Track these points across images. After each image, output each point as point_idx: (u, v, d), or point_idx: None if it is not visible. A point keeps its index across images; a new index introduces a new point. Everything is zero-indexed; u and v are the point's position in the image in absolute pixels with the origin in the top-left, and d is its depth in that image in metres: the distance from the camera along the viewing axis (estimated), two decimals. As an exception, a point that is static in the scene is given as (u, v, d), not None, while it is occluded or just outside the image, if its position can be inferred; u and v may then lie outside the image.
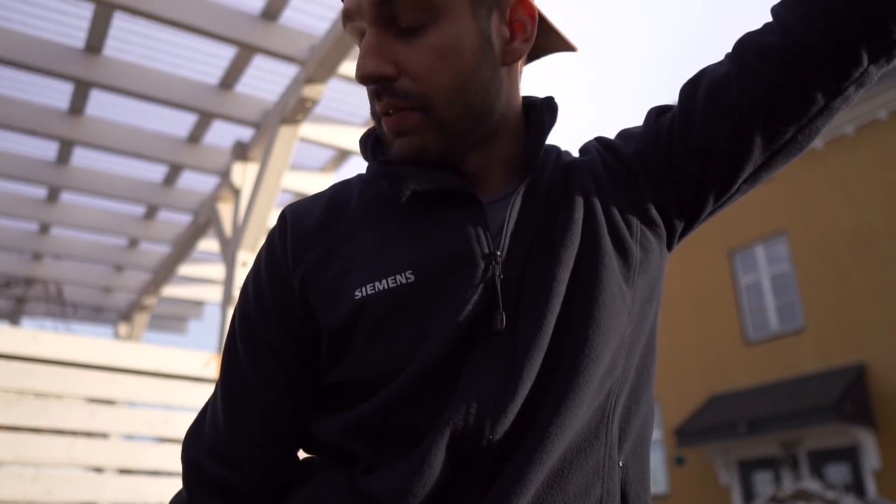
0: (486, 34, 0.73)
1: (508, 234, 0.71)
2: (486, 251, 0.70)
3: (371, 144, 0.82)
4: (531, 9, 0.75)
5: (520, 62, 0.80)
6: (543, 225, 0.73)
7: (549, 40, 0.85)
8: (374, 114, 0.75)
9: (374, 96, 0.73)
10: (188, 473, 0.77)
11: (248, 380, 0.77)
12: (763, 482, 11.09)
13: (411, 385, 0.68)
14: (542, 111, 0.80)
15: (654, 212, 0.78)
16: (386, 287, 0.69)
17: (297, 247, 0.76)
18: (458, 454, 0.66)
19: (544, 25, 0.83)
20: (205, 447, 0.77)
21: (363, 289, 0.70)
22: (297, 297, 0.75)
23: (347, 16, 0.74)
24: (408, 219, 0.74)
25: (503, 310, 0.68)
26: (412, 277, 0.69)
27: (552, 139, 0.84)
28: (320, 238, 0.76)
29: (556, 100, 0.82)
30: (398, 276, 0.69)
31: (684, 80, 0.81)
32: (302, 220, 0.79)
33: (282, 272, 0.77)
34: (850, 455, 10.21)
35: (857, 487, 9.93)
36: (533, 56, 0.88)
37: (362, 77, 0.70)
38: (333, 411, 0.74)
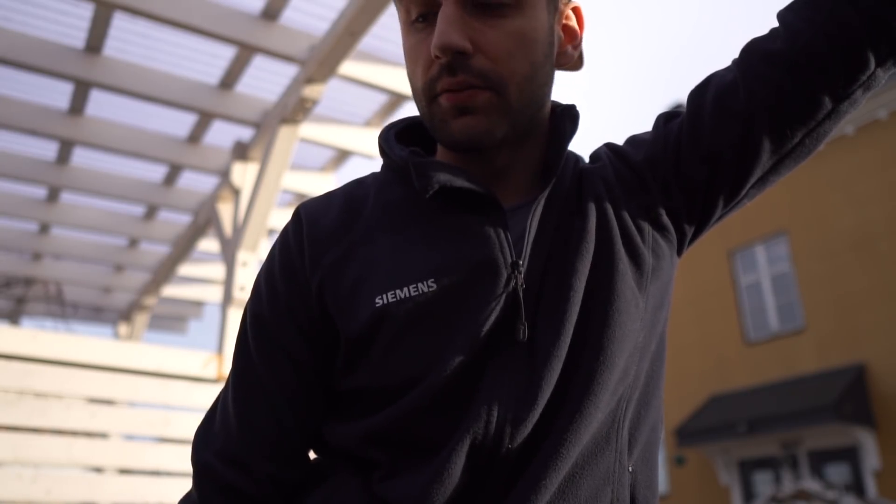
0: (554, 31, 0.74)
1: (530, 244, 0.71)
2: (510, 260, 0.69)
3: (393, 138, 0.80)
4: (581, 18, 0.77)
5: None
6: (560, 234, 0.73)
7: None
8: (428, 90, 0.71)
9: (446, 70, 0.69)
10: (199, 476, 0.76)
11: (260, 382, 0.76)
12: (763, 482, 11.09)
13: (432, 394, 0.67)
14: (563, 119, 0.79)
15: (664, 218, 0.77)
16: (407, 295, 0.69)
17: (313, 249, 0.75)
18: (477, 462, 0.66)
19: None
20: (215, 449, 0.76)
21: (384, 296, 0.69)
22: (315, 300, 0.74)
23: None
24: (428, 222, 0.73)
25: (525, 320, 0.68)
26: (434, 286, 0.68)
27: None
28: (337, 241, 0.75)
29: (578, 108, 0.80)
30: (420, 285, 0.69)
31: (680, 88, 0.81)
32: (318, 220, 0.77)
33: (297, 273, 0.75)
34: (850, 455, 10.21)
35: (857, 487, 9.93)
36: None
37: (444, 46, 0.67)
38: (351, 417, 0.73)
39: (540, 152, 0.79)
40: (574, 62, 0.81)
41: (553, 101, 0.81)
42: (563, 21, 0.76)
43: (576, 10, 0.77)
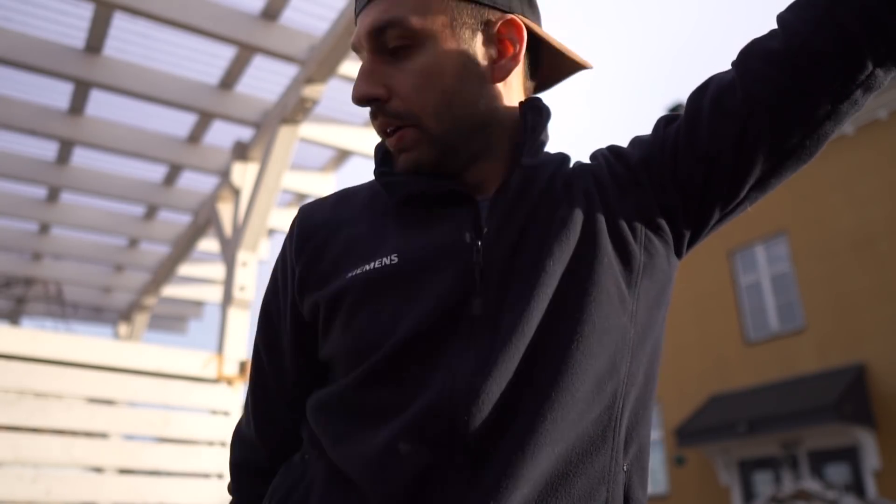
0: (470, 54, 0.77)
1: (495, 224, 0.74)
2: (468, 240, 0.73)
3: (381, 154, 0.86)
4: (519, 29, 0.79)
5: (520, 77, 0.83)
6: (538, 220, 0.75)
7: (561, 63, 0.88)
8: (378, 133, 0.81)
9: (371, 115, 0.79)
10: (230, 452, 0.93)
11: (266, 370, 0.86)
12: (763, 482, 11.09)
13: (385, 362, 0.71)
14: (526, 112, 0.82)
15: (660, 218, 0.78)
16: (371, 268, 0.74)
17: (301, 238, 0.83)
18: (435, 434, 0.67)
19: (551, 49, 0.85)
20: (239, 432, 0.92)
21: (354, 271, 0.75)
22: (299, 284, 0.81)
23: (355, 48, 0.81)
24: (405, 214, 0.79)
25: (480, 295, 0.71)
26: (396, 260, 0.74)
27: (550, 146, 0.86)
28: (322, 230, 0.82)
29: (543, 99, 0.84)
30: (384, 259, 0.74)
31: (680, 88, 0.82)
32: (312, 214, 0.85)
33: (289, 262, 0.84)
34: (850, 455, 10.21)
35: (857, 487, 9.93)
36: (550, 82, 0.91)
37: (356, 99, 0.78)
38: (321, 388, 0.79)
39: (514, 154, 0.81)
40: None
41: (522, 101, 0.84)
42: (497, 37, 0.79)
43: (511, 23, 0.79)
